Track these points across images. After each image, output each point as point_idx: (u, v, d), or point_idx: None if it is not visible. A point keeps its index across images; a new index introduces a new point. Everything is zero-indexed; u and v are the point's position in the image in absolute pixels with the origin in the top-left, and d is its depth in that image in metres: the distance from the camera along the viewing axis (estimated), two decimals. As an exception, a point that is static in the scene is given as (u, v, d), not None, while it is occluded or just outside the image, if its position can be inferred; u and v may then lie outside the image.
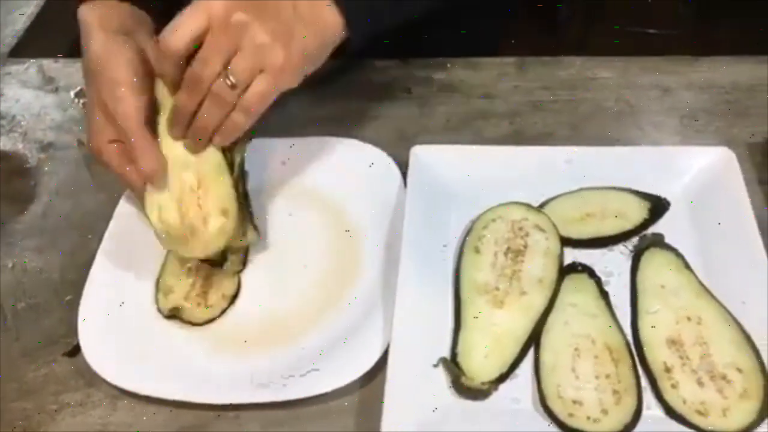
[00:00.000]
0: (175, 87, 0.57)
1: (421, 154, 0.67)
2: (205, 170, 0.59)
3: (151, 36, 0.62)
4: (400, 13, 0.65)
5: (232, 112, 0.56)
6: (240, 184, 0.61)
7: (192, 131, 0.58)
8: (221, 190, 0.59)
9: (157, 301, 0.61)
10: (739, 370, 0.52)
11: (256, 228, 0.62)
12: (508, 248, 0.61)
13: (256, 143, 0.64)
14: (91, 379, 0.57)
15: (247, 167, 0.63)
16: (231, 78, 0.54)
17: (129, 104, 0.57)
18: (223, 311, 0.61)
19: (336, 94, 0.77)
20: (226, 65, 0.54)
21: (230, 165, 0.60)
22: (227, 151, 0.60)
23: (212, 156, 0.59)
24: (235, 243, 0.61)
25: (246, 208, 0.62)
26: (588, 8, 1.63)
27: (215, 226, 0.58)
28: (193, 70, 0.55)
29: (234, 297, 0.61)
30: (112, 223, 0.65)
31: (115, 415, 0.56)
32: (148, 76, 0.59)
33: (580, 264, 0.60)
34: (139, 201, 0.61)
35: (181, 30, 0.54)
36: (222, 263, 0.62)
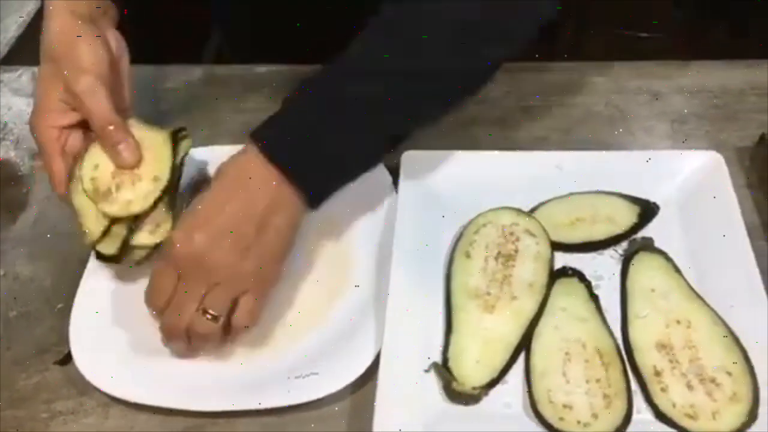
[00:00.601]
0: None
1: (412, 159, 0.67)
2: (151, 146, 0.60)
3: (114, 25, 0.63)
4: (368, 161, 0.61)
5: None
6: (175, 176, 0.61)
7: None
8: (160, 164, 0.60)
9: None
10: (729, 374, 0.53)
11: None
12: (499, 253, 0.61)
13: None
14: (83, 387, 0.57)
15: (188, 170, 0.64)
16: (211, 311, 0.54)
17: (101, 95, 0.57)
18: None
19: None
20: (200, 303, 0.54)
21: (173, 153, 0.61)
22: (174, 143, 0.61)
23: (159, 136, 0.60)
24: (140, 237, 0.60)
25: (172, 201, 0.61)
26: (581, 13, 1.64)
27: (142, 189, 0.59)
28: (167, 321, 0.55)
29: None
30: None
31: (107, 422, 0.56)
32: (111, 65, 0.59)
33: (570, 268, 0.61)
34: (56, 190, 0.61)
35: (158, 293, 0.56)
36: (120, 257, 0.60)
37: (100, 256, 0.59)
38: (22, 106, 0.83)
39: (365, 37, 0.57)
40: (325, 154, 0.55)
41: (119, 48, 0.63)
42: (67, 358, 0.59)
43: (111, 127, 0.58)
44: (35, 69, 0.85)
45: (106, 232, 0.59)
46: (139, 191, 0.59)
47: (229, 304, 0.55)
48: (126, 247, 0.59)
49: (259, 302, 0.56)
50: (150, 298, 0.57)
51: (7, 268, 0.67)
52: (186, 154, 0.62)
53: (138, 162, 0.59)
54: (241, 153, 0.56)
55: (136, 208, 0.58)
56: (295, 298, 0.62)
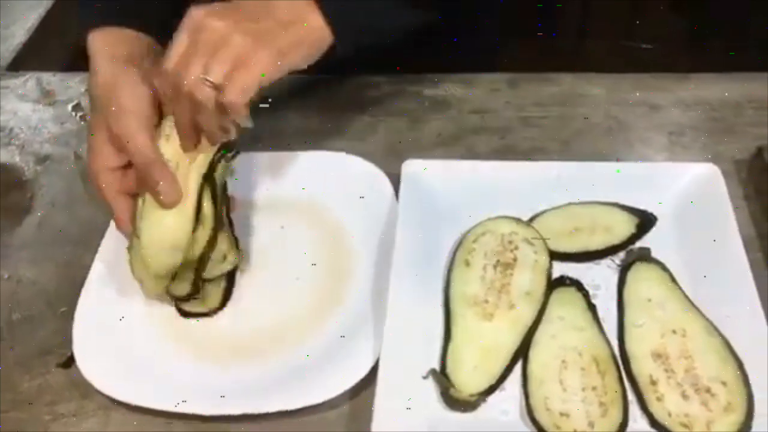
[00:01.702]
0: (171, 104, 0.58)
1: (413, 168, 0.68)
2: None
3: (158, 55, 0.63)
4: (391, 25, 0.66)
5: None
6: (222, 207, 0.60)
7: (181, 136, 0.59)
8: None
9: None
10: (724, 384, 0.53)
11: (239, 250, 0.62)
12: (498, 261, 0.62)
13: (248, 157, 0.65)
14: (85, 390, 0.57)
15: (232, 190, 0.63)
16: (209, 78, 0.55)
17: (144, 136, 0.58)
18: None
19: (329, 109, 0.78)
20: (205, 68, 0.55)
21: (213, 191, 0.59)
22: (206, 179, 0.59)
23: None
24: (212, 271, 0.61)
25: (229, 231, 0.62)
26: (581, 23, 1.65)
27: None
28: (173, 78, 0.56)
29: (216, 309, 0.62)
30: (107, 236, 0.66)
31: (108, 425, 0.57)
32: (155, 107, 0.60)
33: (568, 278, 0.61)
34: (120, 230, 0.61)
35: (173, 51, 0.56)
36: (192, 295, 0.61)
37: (178, 300, 0.61)
38: (28, 111, 0.84)
39: None
40: None
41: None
42: (69, 361, 0.59)
43: (153, 170, 0.58)
44: (41, 75, 0.87)
45: (174, 277, 0.59)
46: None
47: (225, 70, 0.55)
48: (198, 283, 0.60)
49: (250, 83, 0.56)
50: (165, 58, 0.57)
51: (11, 271, 0.68)
52: (225, 183, 0.62)
53: (179, 197, 0.58)
54: None
55: (197, 252, 0.58)
56: (296, 303, 0.62)
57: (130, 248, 0.60)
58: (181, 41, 0.56)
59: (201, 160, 0.59)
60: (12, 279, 0.67)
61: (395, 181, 0.67)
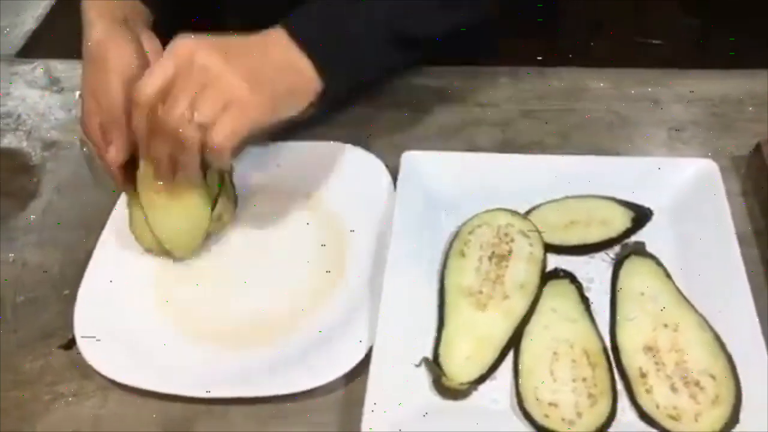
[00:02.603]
0: (146, 138, 0.58)
1: (411, 159, 0.68)
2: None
3: (149, 26, 0.66)
4: (380, 65, 0.67)
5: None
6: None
7: (159, 173, 0.60)
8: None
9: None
10: (712, 377, 0.54)
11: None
12: (493, 253, 0.62)
13: (248, 147, 0.66)
14: (85, 371, 0.59)
15: (240, 170, 0.67)
16: (196, 116, 0.54)
17: (118, 95, 0.60)
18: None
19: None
20: (192, 106, 0.54)
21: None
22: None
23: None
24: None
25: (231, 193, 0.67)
26: (591, 19, 1.64)
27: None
28: (159, 114, 0.55)
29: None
30: (109, 221, 0.67)
31: (106, 406, 0.58)
32: (143, 66, 0.61)
33: (562, 270, 0.62)
34: (116, 184, 0.64)
35: (151, 79, 0.55)
36: None
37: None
38: (36, 98, 0.85)
39: None
40: (346, 37, 0.60)
41: (153, 47, 0.65)
42: (71, 343, 0.61)
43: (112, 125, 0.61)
44: (49, 62, 0.88)
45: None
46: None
47: (214, 111, 0.54)
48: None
49: (239, 126, 0.54)
50: (141, 85, 0.55)
51: (16, 254, 0.69)
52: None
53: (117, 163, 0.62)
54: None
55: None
56: (293, 290, 0.63)
57: (132, 222, 0.64)
58: (164, 71, 0.55)
59: None
60: (17, 262, 0.69)
61: (396, 173, 0.68)
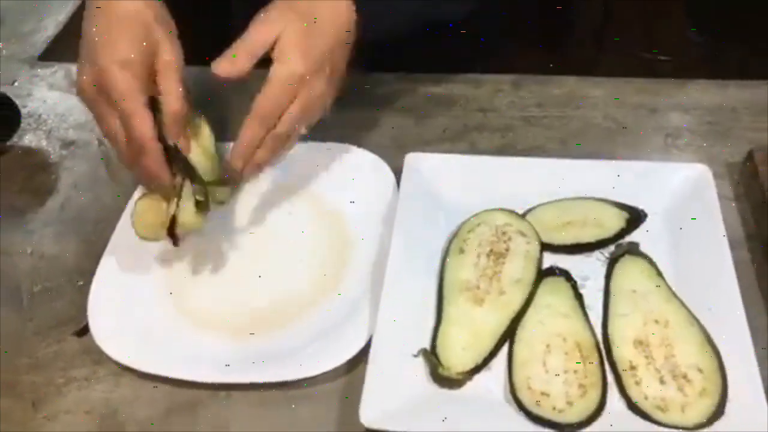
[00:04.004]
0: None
1: (414, 161, 0.71)
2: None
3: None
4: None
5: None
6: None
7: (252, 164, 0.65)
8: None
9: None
10: (700, 371, 0.55)
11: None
12: (491, 250, 0.65)
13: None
14: (97, 357, 0.61)
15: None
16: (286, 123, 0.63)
17: (120, 72, 0.60)
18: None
19: (337, 104, 0.82)
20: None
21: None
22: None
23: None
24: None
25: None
26: (597, 33, 1.67)
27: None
28: (268, 107, 0.62)
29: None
30: (124, 215, 0.70)
31: (117, 390, 0.60)
32: (149, 48, 0.62)
33: (558, 268, 0.64)
34: (112, 146, 0.64)
35: (267, 98, 0.62)
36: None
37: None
38: (55, 99, 0.88)
39: None
40: None
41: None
42: (83, 330, 0.63)
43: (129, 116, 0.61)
44: (70, 66, 0.92)
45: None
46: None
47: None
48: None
49: (315, 120, 0.67)
50: (263, 99, 0.62)
51: (34, 246, 0.72)
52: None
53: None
54: None
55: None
56: (297, 284, 0.66)
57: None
58: (273, 92, 0.61)
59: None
60: (35, 254, 0.72)
61: (400, 174, 0.70)
